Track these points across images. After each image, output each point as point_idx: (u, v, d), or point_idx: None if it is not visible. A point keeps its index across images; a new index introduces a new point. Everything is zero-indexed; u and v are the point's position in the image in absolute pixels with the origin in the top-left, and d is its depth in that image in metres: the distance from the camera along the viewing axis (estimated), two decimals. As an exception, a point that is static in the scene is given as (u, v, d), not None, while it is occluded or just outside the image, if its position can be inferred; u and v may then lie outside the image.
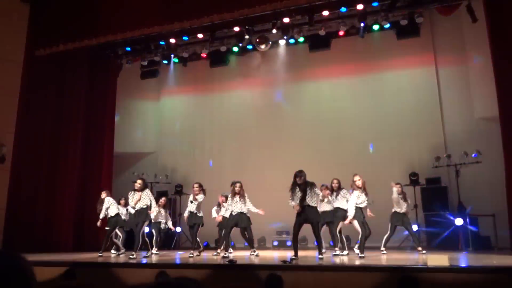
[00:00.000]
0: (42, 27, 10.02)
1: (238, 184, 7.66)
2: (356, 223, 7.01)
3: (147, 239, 7.81)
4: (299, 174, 6.72)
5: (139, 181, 7.72)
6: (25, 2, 10.21)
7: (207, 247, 9.58)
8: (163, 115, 13.14)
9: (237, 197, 7.61)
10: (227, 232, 7.72)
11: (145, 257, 7.46)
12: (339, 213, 7.47)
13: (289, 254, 7.26)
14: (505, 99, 7.63)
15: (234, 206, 7.60)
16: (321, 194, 7.12)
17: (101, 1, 9.57)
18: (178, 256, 8.27)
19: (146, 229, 8.19)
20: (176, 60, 11.74)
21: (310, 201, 6.67)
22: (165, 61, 11.85)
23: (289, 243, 9.82)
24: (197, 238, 7.92)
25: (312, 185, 6.74)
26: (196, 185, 7.92)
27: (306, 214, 6.62)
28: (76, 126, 10.32)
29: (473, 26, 8.91)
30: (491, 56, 7.92)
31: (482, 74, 9.18)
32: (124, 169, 12.04)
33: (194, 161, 12.49)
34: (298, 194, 6.66)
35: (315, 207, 6.83)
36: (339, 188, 7.67)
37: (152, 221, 8.12)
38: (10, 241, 8.92)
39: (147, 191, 7.71)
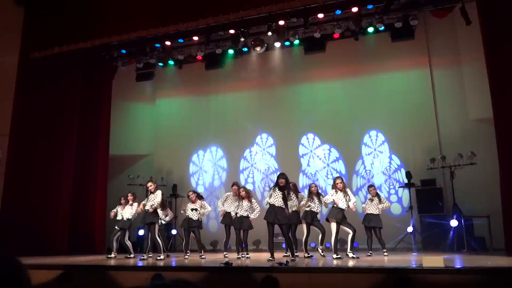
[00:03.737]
0: (36, 29, 9.98)
1: (242, 189, 8.04)
2: (333, 225, 7.25)
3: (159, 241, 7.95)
4: (281, 176, 7.05)
5: (149, 183, 8.05)
6: (20, 4, 10.17)
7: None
8: (159, 117, 13.12)
9: (243, 201, 7.96)
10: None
11: (141, 259, 7.51)
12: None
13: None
14: (499, 101, 7.68)
15: (239, 209, 7.95)
16: (293, 198, 7.23)
17: (96, 3, 9.54)
18: (174, 258, 8.26)
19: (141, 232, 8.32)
20: (172, 62, 11.73)
21: (285, 203, 6.92)
22: (160, 64, 11.84)
23: (284, 245, 9.83)
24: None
25: (289, 188, 7.06)
26: (191, 193, 8.33)
27: (275, 214, 6.88)
28: (71, 129, 10.27)
29: (467, 29, 8.97)
30: (485, 58, 7.97)
31: (476, 76, 9.24)
32: (120, 171, 12.00)
33: (190, 164, 12.48)
34: (278, 194, 6.93)
35: (287, 209, 6.98)
36: (317, 191, 8.05)
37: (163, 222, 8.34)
38: (4, 244, 8.85)
39: (158, 192, 7.94)
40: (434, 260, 4.86)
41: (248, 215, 7.88)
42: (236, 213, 7.95)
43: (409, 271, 4.83)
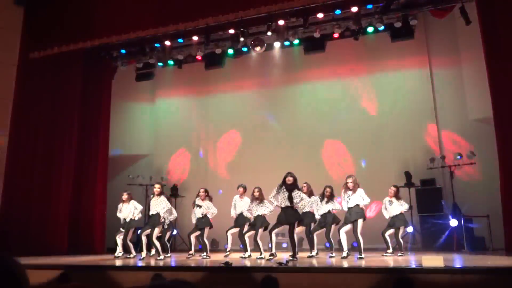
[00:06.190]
0: (36, 29, 9.97)
1: (256, 189, 7.96)
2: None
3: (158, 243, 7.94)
4: (288, 175, 6.93)
5: (157, 186, 8.08)
6: (20, 4, 10.17)
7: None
8: (158, 117, 13.11)
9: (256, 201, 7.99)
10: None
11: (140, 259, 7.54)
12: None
13: (284, 256, 7.28)
14: (499, 100, 7.68)
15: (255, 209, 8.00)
16: (304, 197, 7.02)
17: (96, 3, 9.54)
18: (174, 258, 8.26)
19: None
20: (171, 62, 11.72)
21: (291, 202, 6.82)
22: (160, 64, 11.83)
23: (284, 245, 9.83)
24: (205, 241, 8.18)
25: (297, 187, 6.92)
26: (202, 190, 8.30)
27: (284, 215, 6.84)
28: (71, 129, 10.27)
29: (466, 28, 8.96)
30: (484, 58, 7.97)
31: (476, 75, 9.24)
32: (119, 171, 12.00)
33: (189, 163, 12.47)
34: (284, 194, 6.84)
35: (294, 209, 6.90)
36: (331, 194, 7.90)
37: (165, 226, 8.30)
38: (3, 244, 8.85)
39: (163, 196, 7.96)
40: (434, 260, 4.86)
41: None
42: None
43: (409, 271, 4.83)
